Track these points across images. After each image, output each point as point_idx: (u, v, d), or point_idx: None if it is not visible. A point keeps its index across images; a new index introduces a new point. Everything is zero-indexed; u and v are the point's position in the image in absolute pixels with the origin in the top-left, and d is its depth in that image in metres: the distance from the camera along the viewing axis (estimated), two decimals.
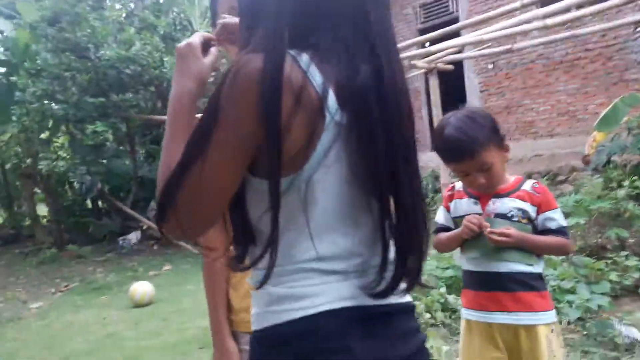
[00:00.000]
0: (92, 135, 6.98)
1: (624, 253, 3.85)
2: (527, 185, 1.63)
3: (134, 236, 8.96)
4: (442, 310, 3.27)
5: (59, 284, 6.46)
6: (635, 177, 4.44)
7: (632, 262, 3.71)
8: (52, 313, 5.05)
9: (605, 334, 2.85)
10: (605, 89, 7.94)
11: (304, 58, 0.73)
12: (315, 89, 0.72)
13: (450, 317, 3.23)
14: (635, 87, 7.57)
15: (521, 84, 8.72)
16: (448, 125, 1.56)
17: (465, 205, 1.67)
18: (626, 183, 4.31)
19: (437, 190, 8.08)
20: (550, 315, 1.59)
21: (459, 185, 1.72)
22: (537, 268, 1.61)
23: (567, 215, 4.68)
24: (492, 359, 1.60)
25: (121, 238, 8.80)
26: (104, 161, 8.62)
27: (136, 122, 8.81)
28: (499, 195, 1.62)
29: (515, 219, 1.59)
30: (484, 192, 1.63)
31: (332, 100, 0.72)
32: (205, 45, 0.93)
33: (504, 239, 1.54)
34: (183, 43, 0.91)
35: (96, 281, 6.25)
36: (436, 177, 8.31)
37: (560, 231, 1.59)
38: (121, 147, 9.69)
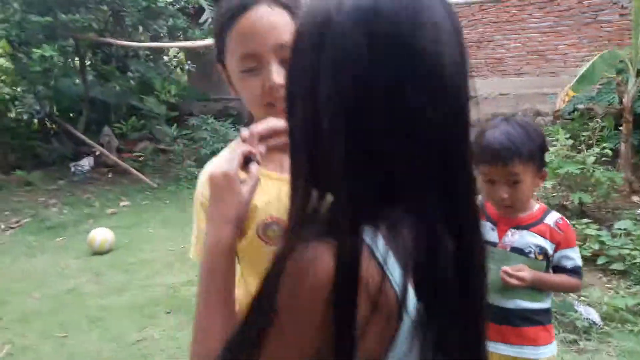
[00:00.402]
0: (40, 60, 6.33)
1: (584, 220, 3.97)
2: (551, 219, 1.57)
3: (86, 162, 8.56)
4: None
5: (8, 218, 6.16)
6: (606, 144, 4.48)
7: (592, 231, 3.82)
8: (5, 258, 4.84)
9: (567, 315, 2.98)
10: (577, 29, 7.83)
11: (380, 245, 0.57)
12: (395, 289, 0.57)
13: None
14: (607, 30, 7.50)
15: (494, 18, 8.47)
16: (498, 126, 1.50)
17: None
18: (597, 150, 4.33)
19: None
20: (552, 349, 1.61)
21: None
22: (545, 304, 1.59)
23: None
24: None
25: (73, 164, 8.39)
26: (52, 82, 7.98)
27: (87, 42, 8.10)
28: (519, 227, 1.56)
29: (531, 255, 1.55)
30: (503, 211, 1.55)
31: (411, 297, 0.58)
32: (245, 162, 0.81)
33: (516, 282, 1.50)
34: (218, 171, 0.79)
35: (50, 218, 5.99)
36: None
37: (575, 271, 1.57)
38: (70, 65, 8.97)
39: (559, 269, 1.58)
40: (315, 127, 0.59)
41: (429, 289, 0.58)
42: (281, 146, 0.87)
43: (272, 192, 1.07)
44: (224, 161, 0.80)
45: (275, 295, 0.57)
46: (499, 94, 8.44)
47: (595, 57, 4.67)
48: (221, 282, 0.74)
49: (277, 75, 0.97)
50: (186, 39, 8.22)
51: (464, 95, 0.61)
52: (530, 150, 1.46)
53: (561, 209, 4.52)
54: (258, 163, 0.84)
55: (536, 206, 1.60)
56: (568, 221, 1.62)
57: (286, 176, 1.10)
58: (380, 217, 0.58)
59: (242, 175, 0.83)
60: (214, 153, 7.92)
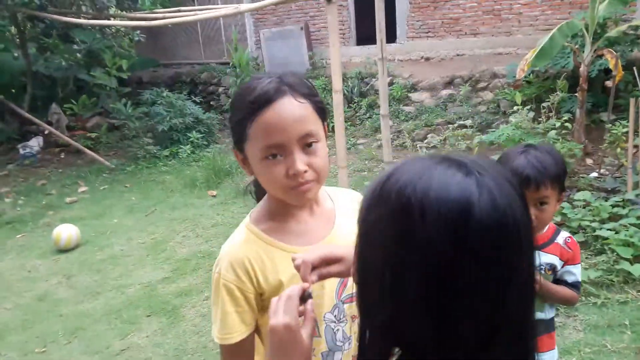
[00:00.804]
0: None
1: None
2: (561, 239, 1.68)
3: (35, 143, 8.14)
4: None
5: None
6: (566, 119, 4.62)
7: None
8: None
9: None
10: None
11: None
12: None
13: None
14: None
15: None
16: (526, 153, 1.56)
17: None
18: (558, 124, 4.47)
19: (362, 94, 7.98)
20: (554, 354, 1.74)
21: None
22: (549, 314, 1.72)
23: (500, 150, 4.88)
24: None
25: (21, 145, 7.96)
26: None
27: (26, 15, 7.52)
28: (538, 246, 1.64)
29: (542, 271, 1.65)
30: None
31: None
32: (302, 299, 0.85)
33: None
34: (280, 324, 0.80)
35: (5, 212, 5.72)
36: (362, 78, 8.14)
37: (576, 286, 1.69)
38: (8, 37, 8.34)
39: (560, 282, 1.69)
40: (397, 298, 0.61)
41: None
42: (333, 274, 0.91)
43: (291, 265, 1.10)
44: (282, 310, 0.80)
45: None
46: (455, 54, 8.49)
47: (554, 30, 4.73)
48: None
49: (301, 163, 1.03)
50: (135, 10, 7.76)
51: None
52: (557, 174, 1.55)
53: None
54: (310, 297, 0.85)
55: (546, 226, 1.68)
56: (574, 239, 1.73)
57: (307, 247, 1.12)
58: None
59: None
60: (172, 129, 7.74)
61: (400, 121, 7.19)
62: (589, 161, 5.32)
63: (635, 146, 4.26)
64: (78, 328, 3.43)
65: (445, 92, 7.48)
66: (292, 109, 1.02)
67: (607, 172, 4.91)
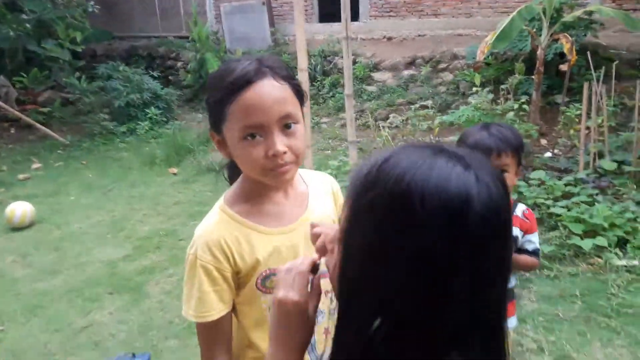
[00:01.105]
0: None
1: None
2: (519, 211, 1.81)
3: None
4: None
5: None
6: (523, 101, 4.76)
7: None
8: None
9: None
10: None
11: None
12: None
13: None
14: None
15: None
16: (485, 127, 1.70)
17: None
18: (516, 105, 4.61)
19: (325, 72, 7.96)
20: (513, 320, 1.90)
21: None
22: (511, 283, 1.87)
23: (459, 130, 4.98)
24: None
25: None
26: None
27: None
28: None
29: None
30: None
31: None
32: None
33: None
34: (290, 299, 0.78)
35: None
36: (325, 57, 8.10)
37: (536, 252, 1.82)
38: None
39: (521, 251, 1.81)
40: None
41: None
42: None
43: (271, 246, 1.14)
44: (290, 285, 0.79)
45: None
46: (417, 34, 8.57)
47: (514, 13, 4.84)
48: None
49: (280, 144, 1.04)
50: None
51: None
52: (516, 145, 1.67)
53: None
54: (318, 269, 0.84)
55: None
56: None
57: (281, 229, 1.15)
58: None
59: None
60: (129, 105, 7.52)
61: (363, 101, 7.23)
62: (543, 142, 5.53)
63: (587, 128, 4.45)
64: (37, 306, 3.34)
65: (407, 73, 7.56)
66: (272, 90, 1.03)
67: (560, 153, 5.13)
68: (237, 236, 1.12)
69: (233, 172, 1.22)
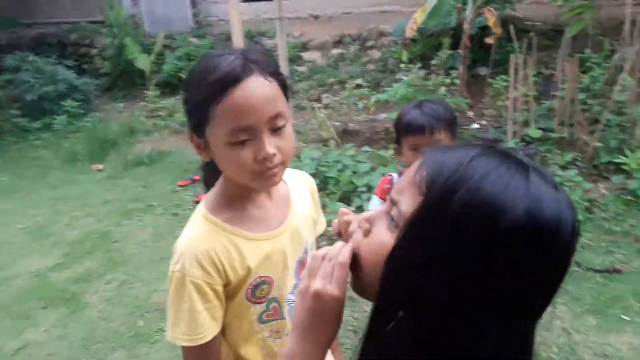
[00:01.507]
0: None
1: None
2: None
3: None
4: None
5: None
6: (455, 75, 4.86)
7: None
8: None
9: None
10: None
11: None
12: None
13: None
14: None
15: None
16: (419, 106, 1.73)
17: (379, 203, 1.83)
18: (447, 80, 4.70)
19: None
20: None
21: (396, 178, 1.83)
22: None
23: (393, 107, 5.02)
24: None
25: None
26: None
27: None
28: None
29: None
30: None
31: None
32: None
33: None
34: (329, 293, 0.69)
35: None
36: (252, 37, 7.88)
37: None
38: None
39: None
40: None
41: None
42: None
43: (261, 252, 1.07)
44: (329, 277, 0.70)
45: None
46: (343, 12, 8.52)
47: None
48: None
49: (270, 146, 0.96)
50: None
51: None
52: (448, 121, 1.71)
53: None
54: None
55: None
56: None
57: (269, 233, 1.09)
58: None
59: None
60: (43, 98, 6.98)
61: (295, 81, 7.12)
62: (470, 114, 5.71)
63: (515, 99, 4.62)
64: None
65: (335, 51, 7.51)
66: (261, 89, 0.94)
67: (487, 124, 5.31)
68: (226, 245, 1.04)
69: (211, 175, 1.13)
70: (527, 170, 0.59)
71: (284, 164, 1.01)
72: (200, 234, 1.05)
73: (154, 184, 4.98)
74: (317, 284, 0.70)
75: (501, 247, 0.56)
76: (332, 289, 0.69)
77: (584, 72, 4.70)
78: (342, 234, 0.85)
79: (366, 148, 4.54)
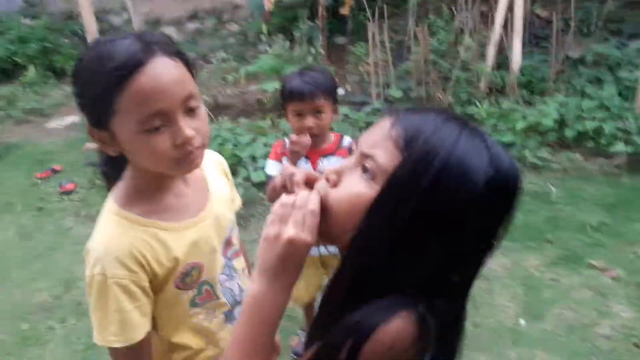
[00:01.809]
0: None
1: None
2: (346, 142, 1.96)
3: None
4: None
5: None
6: (317, 45, 5.00)
7: None
8: None
9: None
10: None
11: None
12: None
13: None
14: None
15: None
16: (300, 74, 1.83)
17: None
18: (313, 50, 4.82)
19: (102, 34, 7.11)
20: None
21: (287, 143, 1.90)
22: None
23: (262, 79, 5.04)
24: (313, 274, 2.01)
25: None
26: None
27: None
28: (326, 155, 1.91)
29: None
30: (310, 144, 1.86)
31: None
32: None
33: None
34: (302, 238, 0.71)
35: None
36: (69, 17, 7.22)
37: None
38: None
39: None
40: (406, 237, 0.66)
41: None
42: None
43: (186, 241, 1.04)
44: (302, 224, 0.72)
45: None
46: None
47: None
48: (268, 336, 0.74)
49: (189, 129, 0.92)
50: None
51: None
52: (327, 87, 1.81)
53: None
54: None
55: (332, 137, 1.95)
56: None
57: (191, 220, 1.07)
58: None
59: None
60: None
61: None
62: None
63: (375, 64, 4.93)
64: None
65: (191, 26, 7.27)
66: (168, 70, 0.89)
67: (352, 89, 5.60)
68: (147, 240, 0.98)
69: (114, 168, 1.05)
70: (481, 133, 0.68)
71: (203, 146, 0.97)
72: (116, 232, 0.98)
73: (6, 180, 4.41)
74: (290, 232, 0.71)
75: (478, 198, 0.64)
76: (306, 236, 0.71)
77: (431, 37, 5.17)
78: (287, 187, 0.87)
79: (243, 120, 4.52)
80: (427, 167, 0.64)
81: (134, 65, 0.85)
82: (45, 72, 6.95)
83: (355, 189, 0.69)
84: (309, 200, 0.72)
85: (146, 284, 0.99)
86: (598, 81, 4.40)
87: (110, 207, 1.01)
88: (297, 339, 2.40)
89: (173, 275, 1.03)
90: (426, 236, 0.65)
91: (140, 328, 1.00)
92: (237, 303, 1.18)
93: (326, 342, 0.70)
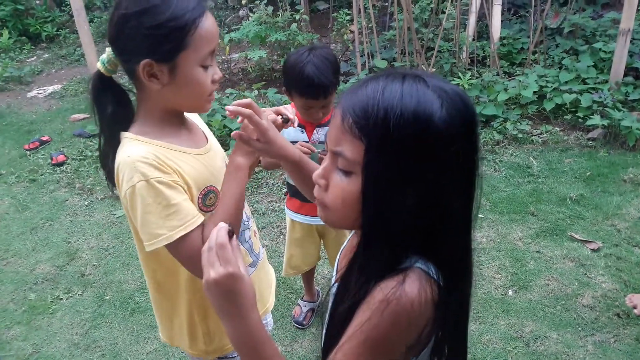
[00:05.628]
0: None
1: None
2: None
3: None
4: None
5: None
6: (301, 11, 4.99)
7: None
8: None
9: None
10: None
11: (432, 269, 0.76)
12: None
13: None
14: None
15: None
16: (309, 64, 1.77)
17: (292, 132, 1.94)
18: (297, 16, 4.82)
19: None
20: None
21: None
22: None
23: (248, 46, 5.02)
24: (310, 243, 2.21)
25: None
26: None
27: None
28: (321, 125, 1.97)
29: None
30: (316, 122, 1.97)
31: None
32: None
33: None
34: (223, 274, 0.77)
35: None
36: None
37: None
38: None
39: None
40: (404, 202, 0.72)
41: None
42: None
43: (196, 165, 1.17)
44: (217, 262, 0.79)
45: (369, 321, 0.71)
46: None
47: None
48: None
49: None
50: None
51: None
52: (335, 79, 1.83)
53: (276, 72, 5.04)
54: (234, 233, 0.84)
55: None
56: None
57: (200, 149, 1.24)
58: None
59: None
60: None
61: None
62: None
63: (358, 31, 4.95)
64: None
65: None
66: (214, 20, 1.09)
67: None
68: (167, 155, 1.10)
69: (126, 109, 1.17)
70: (420, 76, 0.72)
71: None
72: (141, 147, 1.08)
73: None
74: (210, 274, 0.77)
75: (441, 132, 0.68)
76: (224, 270, 0.77)
77: (413, 3, 5.19)
78: (280, 112, 1.18)
79: (230, 90, 4.54)
80: (387, 139, 0.68)
81: (202, 11, 1.05)
82: (19, 37, 6.77)
83: (341, 187, 0.76)
84: (217, 236, 0.80)
85: (182, 185, 1.10)
86: (575, 52, 4.53)
87: (129, 136, 1.12)
88: (298, 309, 2.50)
89: (194, 196, 1.15)
90: (419, 191, 0.70)
91: (197, 215, 1.09)
92: (245, 226, 1.32)
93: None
